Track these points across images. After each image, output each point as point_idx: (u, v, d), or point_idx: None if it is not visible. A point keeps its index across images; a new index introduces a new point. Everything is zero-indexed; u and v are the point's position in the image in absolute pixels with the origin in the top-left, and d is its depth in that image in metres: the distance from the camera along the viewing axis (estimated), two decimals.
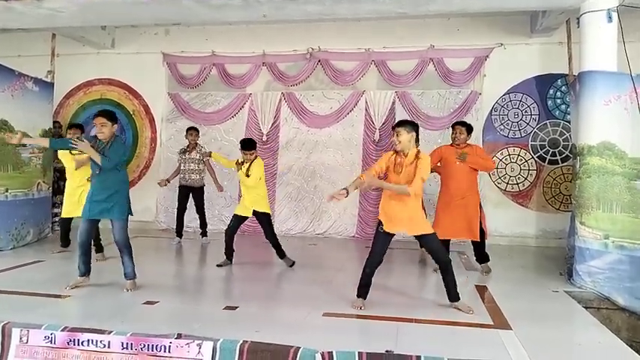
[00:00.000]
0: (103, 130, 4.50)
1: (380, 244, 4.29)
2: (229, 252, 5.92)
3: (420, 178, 4.07)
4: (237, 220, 5.88)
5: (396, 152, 4.26)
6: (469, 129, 5.52)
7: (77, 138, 4.61)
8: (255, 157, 5.75)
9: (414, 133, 4.15)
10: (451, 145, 5.55)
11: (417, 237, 4.31)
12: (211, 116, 8.67)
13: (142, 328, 3.52)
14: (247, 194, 5.78)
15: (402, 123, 4.24)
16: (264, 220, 5.84)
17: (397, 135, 4.15)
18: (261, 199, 5.79)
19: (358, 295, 4.36)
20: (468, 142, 5.53)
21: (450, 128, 5.67)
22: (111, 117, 4.58)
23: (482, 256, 5.64)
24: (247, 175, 5.65)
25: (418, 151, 4.18)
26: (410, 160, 4.14)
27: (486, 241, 5.66)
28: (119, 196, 4.61)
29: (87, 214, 4.60)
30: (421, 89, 8.04)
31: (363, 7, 5.75)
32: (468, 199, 5.39)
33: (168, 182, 7.34)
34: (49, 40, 7.83)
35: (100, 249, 6.01)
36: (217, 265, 5.81)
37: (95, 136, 4.60)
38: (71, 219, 6.13)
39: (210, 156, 7.11)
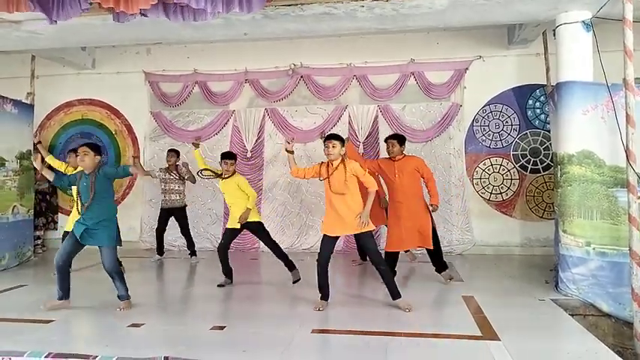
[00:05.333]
0: (84, 158, 4.62)
1: (327, 245, 4.70)
2: (227, 270, 5.72)
3: (367, 176, 4.70)
4: (230, 235, 5.70)
5: (329, 162, 4.78)
6: (401, 140, 5.64)
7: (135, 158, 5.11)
8: (234, 172, 5.74)
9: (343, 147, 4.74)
10: (388, 158, 5.66)
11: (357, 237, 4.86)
12: (194, 134, 8.63)
13: (128, 351, 3.48)
14: (234, 207, 5.64)
15: (337, 136, 4.79)
16: (257, 229, 5.64)
17: (333, 147, 4.66)
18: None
19: (322, 298, 4.74)
20: (403, 152, 5.63)
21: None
22: (94, 148, 4.72)
23: (440, 264, 5.69)
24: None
25: (342, 159, 4.72)
26: (336, 166, 4.71)
27: (443, 249, 5.89)
28: (107, 223, 4.65)
29: (77, 230, 4.59)
30: (403, 102, 8.13)
31: (344, 25, 5.80)
32: (416, 208, 5.46)
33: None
34: (28, 62, 7.76)
35: None
36: (218, 286, 5.63)
37: (82, 171, 4.74)
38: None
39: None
